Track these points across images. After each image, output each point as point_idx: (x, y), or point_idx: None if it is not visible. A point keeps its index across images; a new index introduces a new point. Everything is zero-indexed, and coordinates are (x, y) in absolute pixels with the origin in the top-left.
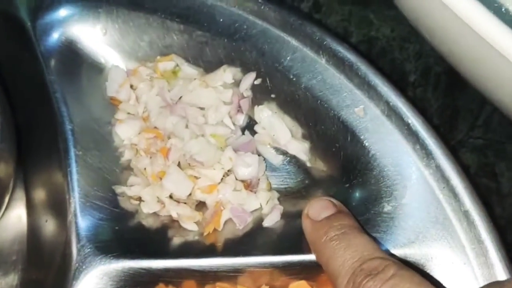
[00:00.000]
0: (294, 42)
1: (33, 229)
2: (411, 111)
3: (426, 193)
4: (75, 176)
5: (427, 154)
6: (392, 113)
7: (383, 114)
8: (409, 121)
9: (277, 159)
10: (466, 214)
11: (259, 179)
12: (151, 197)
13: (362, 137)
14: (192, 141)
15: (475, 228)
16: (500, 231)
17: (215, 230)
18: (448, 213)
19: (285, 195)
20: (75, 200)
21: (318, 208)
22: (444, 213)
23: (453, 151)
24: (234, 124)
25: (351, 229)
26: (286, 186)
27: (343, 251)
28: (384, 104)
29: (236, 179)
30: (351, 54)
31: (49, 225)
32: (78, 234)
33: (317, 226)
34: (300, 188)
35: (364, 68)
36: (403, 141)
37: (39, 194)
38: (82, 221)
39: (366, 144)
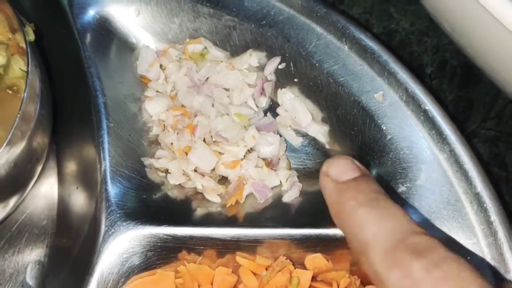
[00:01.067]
0: (318, 29)
1: (63, 197)
2: (428, 98)
3: (440, 175)
4: (106, 146)
5: (442, 139)
6: (410, 100)
7: (401, 100)
8: (426, 108)
9: (297, 141)
10: (477, 197)
11: (279, 158)
12: (177, 169)
13: (380, 122)
14: (218, 119)
15: (485, 210)
16: (508, 218)
17: (237, 202)
18: (460, 195)
19: (304, 175)
20: (106, 169)
21: (341, 167)
22: (456, 195)
23: (466, 140)
24: (257, 106)
25: (382, 196)
26: (305, 166)
27: (379, 219)
28: (402, 90)
29: (258, 156)
30: (372, 43)
31: (79, 193)
32: (108, 200)
33: (341, 188)
34: (319, 169)
35: (384, 56)
36: (420, 126)
37: (71, 164)
38: (112, 188)
39: (384, 128)
